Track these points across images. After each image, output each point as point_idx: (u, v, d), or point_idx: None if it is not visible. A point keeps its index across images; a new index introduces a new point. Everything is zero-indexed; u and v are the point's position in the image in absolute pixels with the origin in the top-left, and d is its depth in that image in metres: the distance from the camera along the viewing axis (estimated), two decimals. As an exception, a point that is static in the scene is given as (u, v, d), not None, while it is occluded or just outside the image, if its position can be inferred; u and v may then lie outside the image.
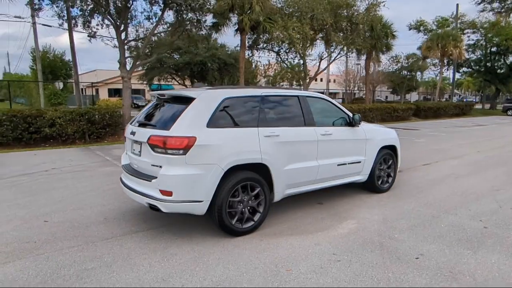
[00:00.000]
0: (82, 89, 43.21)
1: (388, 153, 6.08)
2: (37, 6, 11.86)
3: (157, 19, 14.79)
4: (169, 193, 3.83)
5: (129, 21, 15.11)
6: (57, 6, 12.34)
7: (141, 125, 4.40)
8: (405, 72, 33.93)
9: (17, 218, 4.85)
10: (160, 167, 3.90)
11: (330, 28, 17.37)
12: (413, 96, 52.77)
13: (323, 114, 5.33)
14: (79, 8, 14.90)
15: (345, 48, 19.92)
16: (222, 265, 3.51)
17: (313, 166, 4.89)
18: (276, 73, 36.11)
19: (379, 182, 5.98)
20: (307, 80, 20.64)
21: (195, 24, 16.06)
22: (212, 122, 4.03)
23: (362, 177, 5.71)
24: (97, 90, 39.52)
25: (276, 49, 19.52)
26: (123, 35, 14.94)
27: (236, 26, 17.61)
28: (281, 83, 34.32)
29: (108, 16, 14.56)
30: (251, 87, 5.00)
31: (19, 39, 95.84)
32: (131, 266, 3.51)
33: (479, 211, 5.10)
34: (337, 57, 20.02)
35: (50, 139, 12.05)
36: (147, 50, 27.76)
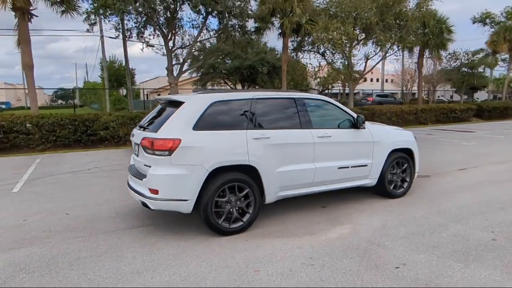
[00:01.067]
0: (146, 94, 46.42)
1: (402, 157, 5.72)
2: (92, 21, 13.04)
3: (200, 28, 15.36)
4: (156, 192, 4.05)
5: (176, 30, 15.91)
6: (109, 21, 13.44)
7: (141, 128, 4.69)
8: (466, 69, 31.12)
9: (46, 211, 5.42)
10: (150, 167, 4.13)
11: (376, 27, 16.62)
12: (482, 95, 48.26)
13: (323, 116, 5.20)
14: (134, 20, 16.06)
15: (394, 47, 18.90)
16: (196, 262, 3.62)
17: (309, 169, 4.80)
18: (328, 74, 35.49)
19: (391, 187, 5.65)
20: (356, 81, 19.96)
21: (237, 29, 16.42)
22: (199, 125, 4.17)
23: (370, 181, 5.45)
24: (158, 95, 42.01)
25: (321, 50, 19.15)
26: (170, 44, 15.80)
27: (280, 30, 17.65)
28: (333, 85, 33.65)
29: (157, 27, 15.47)
30: (246, 91, 5.05)
31: (94, 50, 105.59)
32: (117, 257, 3.77)
33: (497, 221, 4.60)
34: (385, 56, 19.03)
35: (105, 141, 13.12)
36: (201, 57, 29.00)
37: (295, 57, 20.35)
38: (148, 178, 4.09)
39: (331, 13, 17.35)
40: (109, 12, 12.34)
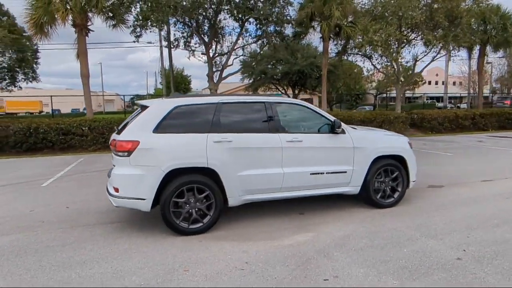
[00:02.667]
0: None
1: (392, 164, 5.31)
2: (138, 33, 14.16)
3: (238, 34, 15.74)
4: (117, 190, 4.33)
5: (216, 38, 16.50)
6: (150, 31, 14.41)
7: (117, 130, 5.02)
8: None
9: (54, 203, 6.04)
10: (114, 166, 4.42)
11: (423, 26, 15.48)
12: None
13: (296, 121, 5.07)
14: (180, 31, 17.04)
15: (449, 47, 17.38)
16: (138, 258, 3.78)
17: (276, 174, 4.71)
18: (385, 77, 33.70)
19: (378, 196, 5.28)
20: (404, 84, 18.75)
21: (275, 35, 16.51)
22: (160, 128, 4.36)
23: (352, 188, 5.15)
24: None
25: (368, 53, 18.33)
26: (211, 51, 16.44)
27: (321, 34, 17.32)
28: (390, 88, 31.79)
29: (200, 35, 16.21)
30: (214, 95, 5.10)
31: (165, 59, 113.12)
32: (77, 248, 4.09)
33: (479, 240, 4.06)
34: (437, 57, 17.58)
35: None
36: (253, 63, 29.55)
37: (340, 60, 19.68)
38: (111, 177, 4.38)
39: (377, 13, 16.58)
40: (149, 23, 13.26)
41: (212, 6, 13.86)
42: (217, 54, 16.78)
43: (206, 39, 16.19)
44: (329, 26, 15.51)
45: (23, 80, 28.09)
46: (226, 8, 14.12)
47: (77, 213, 5.46)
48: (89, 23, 14.75)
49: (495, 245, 3.88)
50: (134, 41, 14.41)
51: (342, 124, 5.14)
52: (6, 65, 26.27)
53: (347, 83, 32.27)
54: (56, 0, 13.52)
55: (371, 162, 5.16)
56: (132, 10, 13.68)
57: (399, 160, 5.40)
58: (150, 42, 24.82)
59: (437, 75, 52.38)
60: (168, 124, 4.41)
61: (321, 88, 30.72)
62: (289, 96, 31.98)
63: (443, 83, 46.04)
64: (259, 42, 17.48)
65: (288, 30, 16.95)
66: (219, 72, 17.28)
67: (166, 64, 31.68)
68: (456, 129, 17.83)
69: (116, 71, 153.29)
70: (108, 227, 4.79)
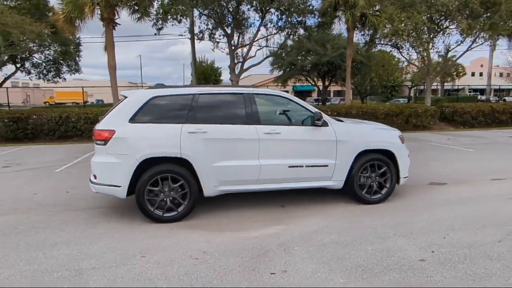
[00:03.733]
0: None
1: (379, 159, 5.07)
2: (159, 26, 14.47)
3: (258, 26, 15.60)
4: (95, 177, 4.50)
5: (238, 30, 16.46)
6: (172, 25, 14.63)
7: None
8: None
9: (58, 188, 6.40)
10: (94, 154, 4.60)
11: (456, 14, 14.46)
12: None
13: (275, 112, 4.96)
14: (205, 23, 17.19)
15: (486, 35, 16.13)
16: (106, 242, 3.93)
17: (252, 166, 4.67)
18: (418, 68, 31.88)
19: (364, 192, 5.07)
20: (434, 76, 17.71)
21: (297, 26, 16.19)
22: (136, 118, 4.46)
23: (334, 183, 4.99)
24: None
25: (398, 43, 17.45)
26: (232, 44, 16.44)
27: (346, 24, 16.74)
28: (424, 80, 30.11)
29: (222, 27, 16.26)
30: (192, 86, 5.07)
31: (203, 51, 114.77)
32: (57, 230, 4.32)
33: (454, 241, 3.79)
34: (473, 46, 16.34)
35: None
36: (283, 55, 29.23)
37: (367, 51, 18.92)
38: (91, 165, 4.56)
39: (406, 1, 15.70)
40: (169, 16, 13.50)
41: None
42: (239, 46, 16.74)
43: (229, 31, 16.20)
44: (353, 16, 14.92)
45: (67, 72, 29.78)
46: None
47: (74, 198, 5.74)
48: (115, 17, 15.30)
49: (469, 248, 3.61)
50: (155, 34, 14.77)
51: (325, 116, 4.98)
52: (51, 58, 27.93)
53: (380, 74, 31.01)
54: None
55: (355, 156, 4.96)
56: (155, 3, 13.99)
57: (388, 155, 5.14)
58: (181, 35, 25.31)
59: (482, 66, 48.88)
60: (144, 114, 4.50)
61: (352, 79, 29.87)
62: (319, 88, 31.37)
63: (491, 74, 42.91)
64: (283, 33, 17.23)
65: (312, 21, 16.55)
66: (242, 64, 17.27)
67: (198, 56, 32.24)
68: (492, 124, 16.61)
69: (157, 63, 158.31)
70: (94, 212, 5.01)
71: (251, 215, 4.75)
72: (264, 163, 4.70)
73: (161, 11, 13.74)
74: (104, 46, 15.82)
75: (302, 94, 41.90)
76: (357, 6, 14.60)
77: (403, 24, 13.90)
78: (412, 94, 35.25)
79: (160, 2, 13.58)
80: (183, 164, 4.51)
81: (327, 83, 29.82)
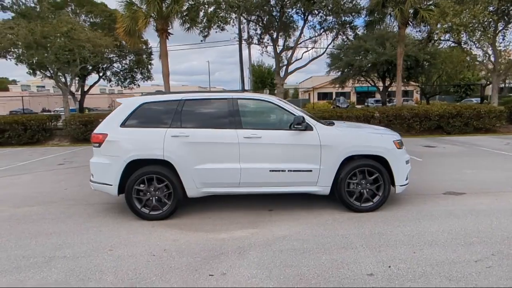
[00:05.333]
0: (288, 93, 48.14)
1: (369, 165, 4.75)
2: (205, 34, 15.15)
3: (301, 28, 15.43)
4: (92, 176, 4.97)
5: (284, 33, 16.49)
6: (216, 32, 15.20)
7: None
8: None
9: (85, 184, 7.05)
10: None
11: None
12: None
13: (259, 117, 4.95)
14: (253, 27, 17.60)
15: None
16: (87, 235, 4.32)
17: (233, 169, 4.73)
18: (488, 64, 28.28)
19: (353, 199, 4.80)
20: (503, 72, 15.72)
21: (347, 26, 15.68)
22: (126, 123, 4.83)
23: (320, 188, 4.81)
24: (308, 95, 43.25)
25: (462, 39, 15.86)
26: (278, 48, 16.52)
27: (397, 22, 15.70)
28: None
29: (269, 32, 16.47)
30: (180, 92, 5.21)
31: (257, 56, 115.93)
32: (58, 221, 4.86)
33: (423, 258, 3.43)
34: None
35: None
36: (341, 55, 28.54)
37: (422, 49, 17.49)
38: (90, 165, 5.04)
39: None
40: (213, 24, 14.08)
41: (272, 3, 13.92)
42: (284, 49, 16.76)
43: (274, 35, 16.33)
44: (402, 12, 13.93)
45: (140, 79, 32.57)
46: (287, 2, 13.99)
47: (92, 193, 6.28)
48: (169, 27, 16.40)
49: (433, 266, 3.24)
50: (201, 41, 15.51)
51: (310, 120, 4.84)
52: (127, 67, 30.81)
53: (448, 72, 28.29)
54: (142, 9, 15.44)
55: (341, 161, 4.73)
56: (201, 13, 14.69)
57: (381, 161, 4.80)
58: (245, 40, 25.98)
59: None
60: (134, 119, 4.85)
61: (416, 79, 27.85)
62: (379, 89, 29.78)
63: None
64: (332, 34, 16.83)
65: (361, 20, 15.86)
66: (289, 67, 17.26)
67: (255, 61, 32.90)
68: None
69: (228, 68, 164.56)
70: (100, 207, 5.50)
71: (233, 218, 4.81)
72: (244, 167, 4.73)
73: (205, 20, 14.38)
74: (159, 55, 17.03)
75: (366, 95, 40.13)
76: (407, 1, 13.62)
77: (459, 18, 12.61)
78: (487, 93, 31.51)
79: (204, 12, 14.23)
80: (167, 166, 4.75)
81: (387, 83, 28.19)
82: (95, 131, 4.94)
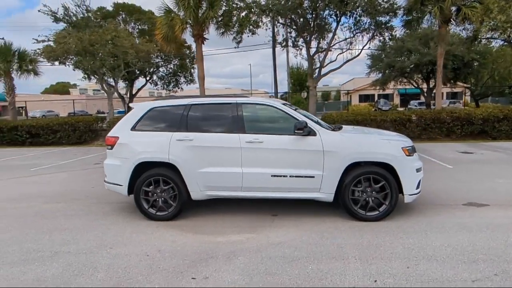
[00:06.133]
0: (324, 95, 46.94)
1: (376, 172, 4.52)
2: (238, 39, 15.34)
3: (334, 30, 15.07)
4: (106, 176, 5.23)
5: (318, 35, 16.23)
6: (248, 36, 15.29)
7: None
8: None
9: (100, 184, 7.33)
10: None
11: None
12: None
13: (262, 121, 4.91)
14: (289, 31, 17.56)
15: None
16: (94, 232, 4.54)
17: (235, 173, 4.74)
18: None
19: (357, 207, 4.59)
20: None
21: (383, 26, 15.10)
22: (136, 126, 5.03)
23: (323, 195, 4.66)
24: (349, 97, 42.08)
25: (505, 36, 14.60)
26: (311, 50, 16.28)
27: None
28: None
29: (302, 34, 16.33)
30: (187, 97, 5.29)
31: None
32: (75, 218, 5.16)
33: (415, 274, 3.19)
34: None
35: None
36: (382, 56, 27.58)
37: (467, 48, 16.31)
38: (104, 166, 5.31)
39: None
40: (244, 28, 14.22)
41: (305, 6, 13.76)
42: (318, 51, 16.48)
43: (307, 38, 16.12)
44: (442, 10, 13.07)
45: (184, 82, 33.72)
46: (319, 4, 13.74)
47: (113, 192, 6.56)
48: (204, 33, 16.81)
49: (422, 283, 3.00)
50: (235, 47, 15.72)
51: (314, 125, 4.71)
52: (171, 71, 32.07)
53: (500, 72, 26.04)
54: (179, 16, 16.00)
55: (345, 168, 4.54)
56: (234, 18, 14.90)
57: (388, 169, 4.55)
58: (280, 43, 26.01)
59: None
60: (143, 123, 5.04)
61: (465, 80, 26.04)
62: (423, 91, 28.24)
63: None
64: (368, 35, 16.27)
65: (398, 20, 15.18)
66: (323, 69, 16.96)
67: (294, 64, 32.60)
68: None
69: (271, 70, 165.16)
70: (116, 206, 5.76)
71: (235, 221, 4.82)
72: (246, 171, 4.72)
73: (236, 24, 14.57)
74: (195, 59, 17.50)
75: (410, 97, 38.21)
76: (448, -1, 12.78)
77: (505, 15, 11.61)
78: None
79: (236, 17, 14.42)
80: (173, 168, 4.87)
81: (432, 84, 26.63)
82: (109, 134, 5.20)
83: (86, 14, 18.81)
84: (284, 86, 45.84)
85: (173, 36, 15.65)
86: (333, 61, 16.64)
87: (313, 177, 4.63)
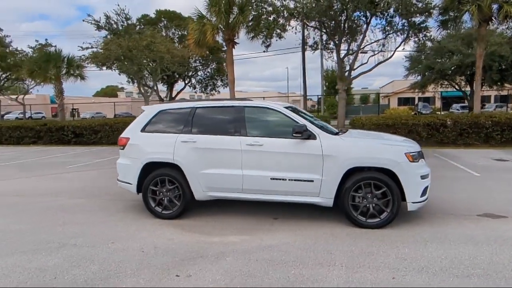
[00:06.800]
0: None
1: (377, 178, 4.35)
2: (267, 43, 15.40)
3: (364, 32, 14.65)
4: (118, 174, 5.49)
5: (349, 38, 15.88)
6: (276, 40, 15.27)
7: None
8: None
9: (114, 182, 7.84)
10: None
11: None
12: None
13: (263, 125, 4.90)
14: (318, 34, 17.39)
15: None
16: (101, 227, 4.80)
17: (236, 175, 4.78)
18: None
19: (357, 213, 4.45)
20: None
21: (415, 28, 14.47)
22: (146, 128, 5.25)
23: (323, 200, 4.57)
24: (388, 100, 40.55)
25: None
26: (341, 53, 15.96)
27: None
28: None
29: (332, 37, 16.08)
30: (193, 101, 5.39)
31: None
32: (90, 213, 5.48)
33: (400, 285, 3.03)
34: None
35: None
36: (422, 57, 26.42)
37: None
38: (116, 165, 5.57)
39: None
40: (272, 32, 14.25)
41: (334, 8, 13.53)
42: (349, 53, 16.11)
43: (337, 41, 15.83)
44: (480, 8, 12.25)
45: (221, 85, 34.41)
46: (349, 6, 13.44)
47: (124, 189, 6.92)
48: (235, 37, 17.07)
49: (404, 296, 2.85)
50: (264, 51, 15.77)
51: (315, 129, 4.63)
52: (208, 74, 32.89)
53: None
54: (211, 21, 16.39)
55: (345, 173, 4.42)
56: (262, 22, 15.00)
57: (390, 175, 4.36)
58: (310, 46, 25.82)
59: None
60: (152, 125, 5.24)
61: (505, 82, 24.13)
62: (465, 93, 26.56)
63: None
64: (402, 36, 15.65)
65: (433, 20, 14.45)
66: (353, 71, 16.56)
67: (330, 66, 32.05)
68: None
69: (310, 73, 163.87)
70: (130, 203, 6.01)
71: (235, 223, 4.85)
72: (246, 173, 4.75)
73: (264, 29, 14.64)
74: (226, 63, 17.81)
75: (453, 100, 36.08)
76: (486, -4, 11.96)
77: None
78: None
79: (264, 21, 14.49)
80: (177, 169, 5.01)
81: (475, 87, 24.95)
82: (121, 135, 5.46)
83: (125, 22, 19.85)
84: (319, 89, 45.11)
85: (204, 41, 16.05)
86: (364, 64, 16.18)
87: (312, 181, 4.55)
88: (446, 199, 5.68)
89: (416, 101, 38.41)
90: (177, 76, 29.13)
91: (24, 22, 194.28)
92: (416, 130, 13.26)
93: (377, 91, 58.47)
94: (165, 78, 27.94)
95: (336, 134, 4.87)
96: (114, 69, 21.46)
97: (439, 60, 24.58)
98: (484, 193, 6.08)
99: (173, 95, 31.20)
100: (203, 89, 32.61)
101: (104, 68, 21.17)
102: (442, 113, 26.41)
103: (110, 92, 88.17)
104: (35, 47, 23.07)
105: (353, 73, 16.28)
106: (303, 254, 3.75)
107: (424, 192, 4.45)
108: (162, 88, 32.80)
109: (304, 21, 14.96)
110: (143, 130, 5.26)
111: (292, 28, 14.83)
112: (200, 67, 30.50)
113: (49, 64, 19.95)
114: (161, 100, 29.59)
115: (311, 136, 4.57)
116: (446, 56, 24.70)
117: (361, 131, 6.18)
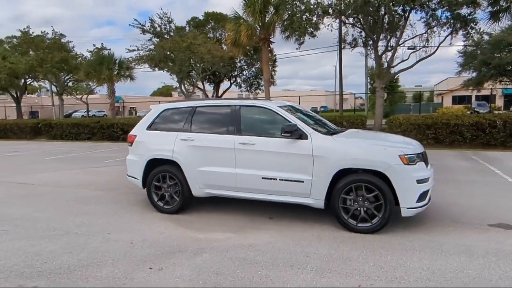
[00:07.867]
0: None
1: (368, 181, 4.10)
2: (300, 41, 15.13)
3: (402, 27, 13.78)
4: (127, 170, 5.78)
5: (388, 34, 15.10)
6: (309, 38, 14.90)
7: None
8: None
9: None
10: (129, 153, 5.90)
11: None
12: None
13: (258, 124, 4.84)
14: (357, 31, 16.81)
15: None
16: (108, 218, 5.08)
17: (229, 173, 4.80)
18: None
19: (348, 216, 4.23)
20: None
21: (461, 20, 13.35)
22: (151, 126, 5.47)
23: (314, 201, 4.41)
24: (441, 98, 37.74)
25: None
26: (380, 50, 15.20)
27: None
28: None
29: (370, 34, 15.42)
30: (201, 99, 5.45)
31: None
32: (103, 204, 5.82)
33: (367, 293, 2.84)
34: None
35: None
36: (478, 52, 24.51)
37: None
38: (126, 161, 5.85)
39: None
40: (307, 32, 14.00)
41: (372, 2, 12.91)
42: (388, 49, 15.29)
43: (375, 37, 15.11)
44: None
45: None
46: (386, 1, 12.72)
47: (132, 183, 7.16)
48: (270, 36, 17.05)
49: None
50: (296, 49, 15.54)
51: (307, 128, 4.49)
52: (253, 73, 33.22)
53: None
54: (248, 21, 16.55)
55: (334, 174, 4.22)
56: (295, 23, 14.78)
57: (383, 178, 4.08)
58: (349, 44, 24.95)
59: None
60: (156, 123, 5.44)
61: None
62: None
63: None
64: (448, 30, 14.50)
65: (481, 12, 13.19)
66: (392, 68, 15.71)
67: (372, 63, 30.56)
68: None
69: (360, 71, 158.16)
70: (138, 196, 6.19)
71: (228, 221, 4.87)
72: (239, 172, 4.75)
73: (296, 27, 14.40)
74: (261, 62, 17.85)
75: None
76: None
77: None
78: None
79: (297, 19, 14.25)
80: (176, 166, 5.15)
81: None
82: (130, 132, 5.74)
83: (168, 26, 20.74)
84: (363, 87, 43.37)
85: (239, 41, 16.25)
86: (404, 60, 15.24)
87: (302, 181, 4.42)
88: (462, 206, 5.20)
89: (473, 99, 35.35)
90: (222, 75, 29.78)
91: (94, 28, 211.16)
92: (458, 131, 12.25)
93: (431, 88, 54.84)
94: (211, 77, 28.69)
95: (333, 134, 4.68)
96: (164, 70, 22.55)
97: (497, 55, 22.40)
98: (508, 201, 5.46)
99: (219, 94, 31.96)
100: (248, 88, 33.00)
101: (156, 69, 22.35)
102: (501, 112, 24.03)
103: (165, 91, 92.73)
104: (93, 51, 24.99)
105: (393, 70, 15.44)
106: (278, 256, 3.66)
107: (421, 197, 4.11)
108: (209, 88, 33.74)
109: (342, 17, 14.46)
110: (148, 128, 5.48)
111: (327, 26, 14.41)
112: (245, 66, 30.88)
113: (103, 66, 21.54)
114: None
115: (302, 136, 4.43)
116: (505, 50, 22.47)
117: (361, 131, 5.85)
